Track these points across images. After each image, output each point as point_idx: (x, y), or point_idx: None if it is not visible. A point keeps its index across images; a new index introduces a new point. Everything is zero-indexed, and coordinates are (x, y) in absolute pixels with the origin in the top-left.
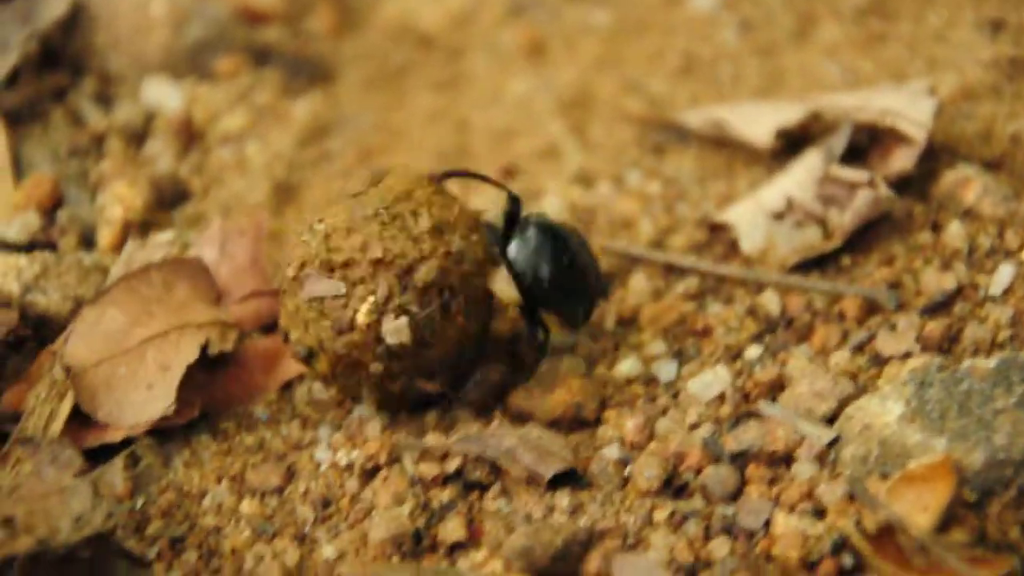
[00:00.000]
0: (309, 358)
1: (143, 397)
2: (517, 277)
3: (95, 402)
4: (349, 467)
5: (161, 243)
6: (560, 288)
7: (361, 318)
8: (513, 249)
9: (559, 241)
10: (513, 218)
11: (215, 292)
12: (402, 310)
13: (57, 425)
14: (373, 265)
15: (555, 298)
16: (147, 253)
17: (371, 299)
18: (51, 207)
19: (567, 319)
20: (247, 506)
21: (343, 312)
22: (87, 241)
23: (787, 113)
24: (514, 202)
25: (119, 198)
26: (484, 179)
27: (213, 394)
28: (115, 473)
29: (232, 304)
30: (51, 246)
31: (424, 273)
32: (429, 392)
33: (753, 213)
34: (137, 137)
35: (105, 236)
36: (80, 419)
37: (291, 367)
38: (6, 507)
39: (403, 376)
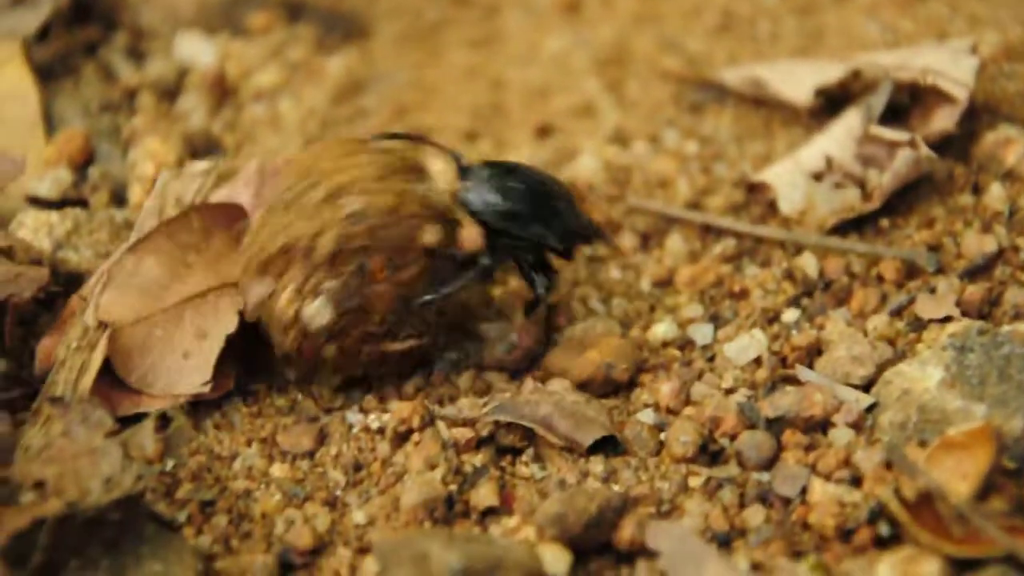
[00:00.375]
0: (287, 364)
1: (178, 366)
2: (478, 217)
3: (129, 365)
4: (381, 431)
5: (196, 173)
6: (524, 212)
7: (288, 311)
8: (464, 194)
9: (508, 171)
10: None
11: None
12: (316, 290)
13: (88, 379)
14: (283, 254)
15: (523, 222)
16: (182, 184)
17: (289, 288)
18: (82, 163)
19: (548, 244)
20: (278, 469)
21: (278, 310)
22: (118, 198)
23: (827, 72)
24: (456, 160)
25: (151, 154)
26: (421, 140)
27: (244, 354)
28: (145, 435)
29: None
30: (82, 202)
31: (323, 246)
32: (408, 350)
33: (792, 173)
34: (169, 93)
35: (137, 193)
36: (111, 377)
37: None
38: (36, 469)
39: (365, 346)
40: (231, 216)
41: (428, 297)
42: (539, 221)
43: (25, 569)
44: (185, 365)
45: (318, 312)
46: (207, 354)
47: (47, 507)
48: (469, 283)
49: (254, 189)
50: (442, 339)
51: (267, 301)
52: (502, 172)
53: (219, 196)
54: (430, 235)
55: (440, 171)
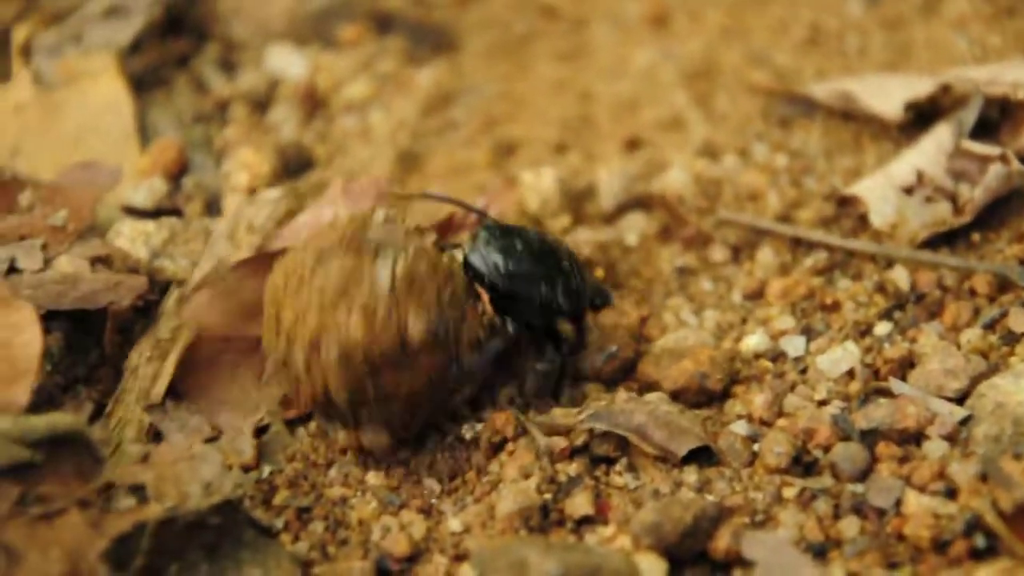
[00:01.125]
0: None
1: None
2: (480, 280)
3: (198, 378)
4: (475, 440)
5: (268, 200)
6: (528, 272)
7: None
8: (469, 255)
9: (509, 232)
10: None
11: None
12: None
13: (161, 385)
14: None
15: (527, 283)
16: (255, 209)
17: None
18: (177, 173)
19: (556, 305)
20: (373, 477)
21: None
22: (212, 208)
23: (916, 86)
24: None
25: (245, 165)
26: (453, 202)
27: None
28: (243, 441)
29: None
30: (176, 212)
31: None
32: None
33: (883, 187)
34: (260, 104)
35: (231, 203)
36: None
37: None
38: (135, 473)
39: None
40: None
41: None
42: (544, 281)
43: (127, 572)
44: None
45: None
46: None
47: (148, 511)
48: (500, 348)
49: (339, 208)
50: (532, 350)
51: None
52: (504, 234)
53: (305, 216)
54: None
55: None
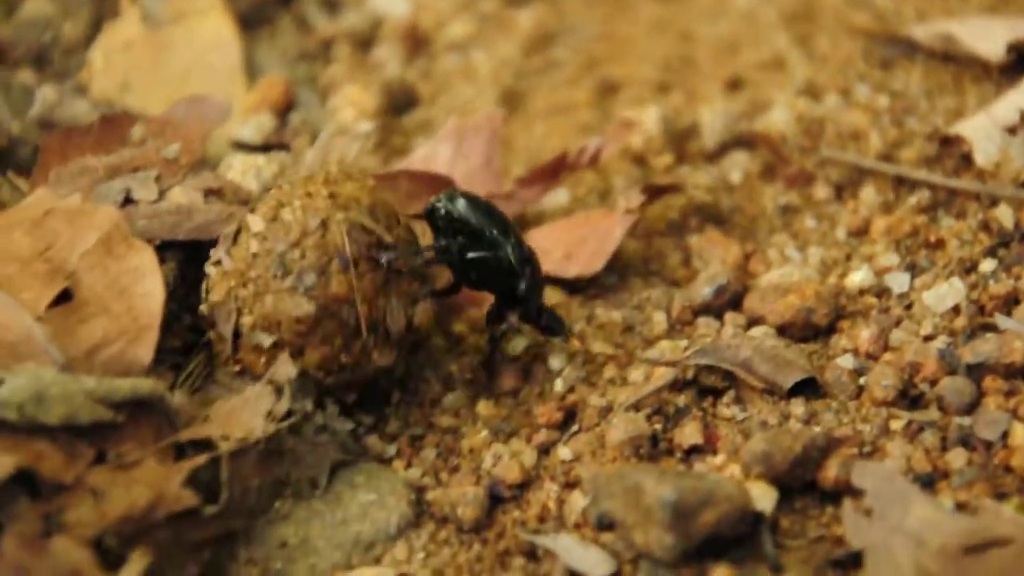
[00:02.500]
0: None
1: None
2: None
3: None
4: (581, 372)
5: (358, 134)
6: (492, 231)
7: None
8: (439, 202)
9: (485, 203)
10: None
11: None
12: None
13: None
14: None
15: (491, 241)
16: (344, 142)
17: None
18: (284, 109)
19: (508, 261)
20: (483, 407)
21: None
22: None
23: (1019, 28)
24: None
25: (351, 101)
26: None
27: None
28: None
29: None
30: (283, 147)
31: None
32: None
33: (986, 127)
34: (364, 43)
35: (323, 136)
36: None
37: None
38: (201, 430)
39: None
40: (438, 186)
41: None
42: (500, 228)
43: (215, 502)
44: None
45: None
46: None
47: (220, 449)
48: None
49: (453, 147)
50: (637, 283)
51: None
52: (479, 200)
53: (418, 153)
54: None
55: None
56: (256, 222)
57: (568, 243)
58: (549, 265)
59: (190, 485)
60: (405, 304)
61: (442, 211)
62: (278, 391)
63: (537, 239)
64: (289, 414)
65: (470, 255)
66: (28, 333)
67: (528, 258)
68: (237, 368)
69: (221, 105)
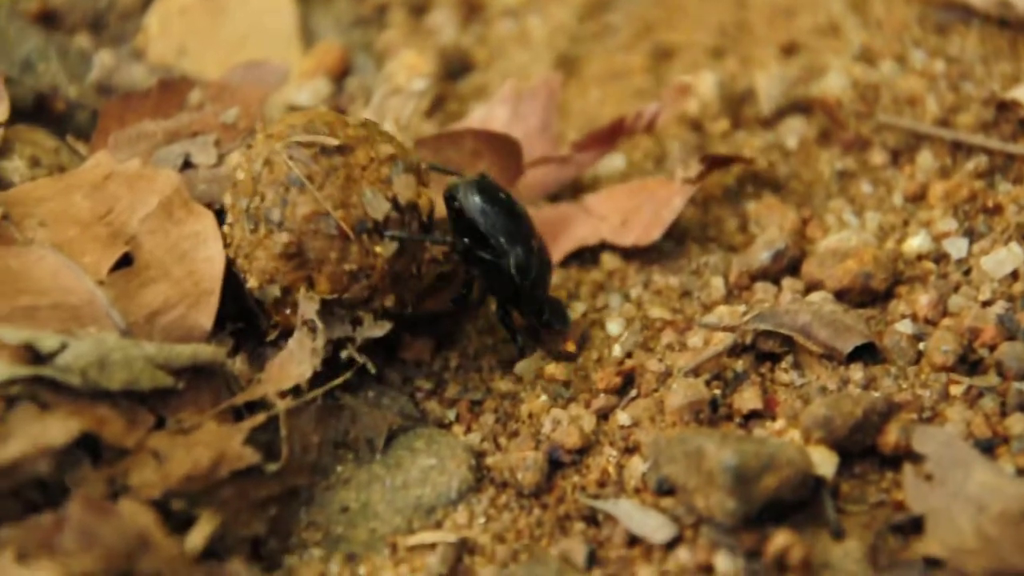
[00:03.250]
0: None
1: None
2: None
3: None
4: (639, 338)
5: (413, 92)
6: (500, 224)
7: None
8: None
9: (500, 190)
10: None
11: (518, 169)
12: None
13: None
14: None
15: (493, 227)
16: (400, 101)
17: None
18: (340, 74)
19: (506, 263)
20: (542, 372)
21: None
22: None
23: None
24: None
25: (408, 66)
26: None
27: None
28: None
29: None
30: (339, 112)
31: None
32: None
33: None
34: (419, 8)
35: (376, 96)
36: None
37: (583, 234)
38: (255, 391)
39: None
40: (503, 145)
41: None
42: (507, 235)
43: (275, 458)
44: None
45: None
46: None
47: (279, 406)
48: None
49: (510, 110)
50: (694, 248)
51: None
52: (498, 186)
53: (476, 115)
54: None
55: None
56: (226, 197)
57: (625, 210)
58: (606, 231)
59: (250, 444)
60: (381, 188)
61: (456, 205)
62: (312, 330)
63: (594, 204)
64: (335, 348)
65: (473, 255)
66: (90, 297)
67: (528, 268)
68: (276, 333)
69: (278, 69)
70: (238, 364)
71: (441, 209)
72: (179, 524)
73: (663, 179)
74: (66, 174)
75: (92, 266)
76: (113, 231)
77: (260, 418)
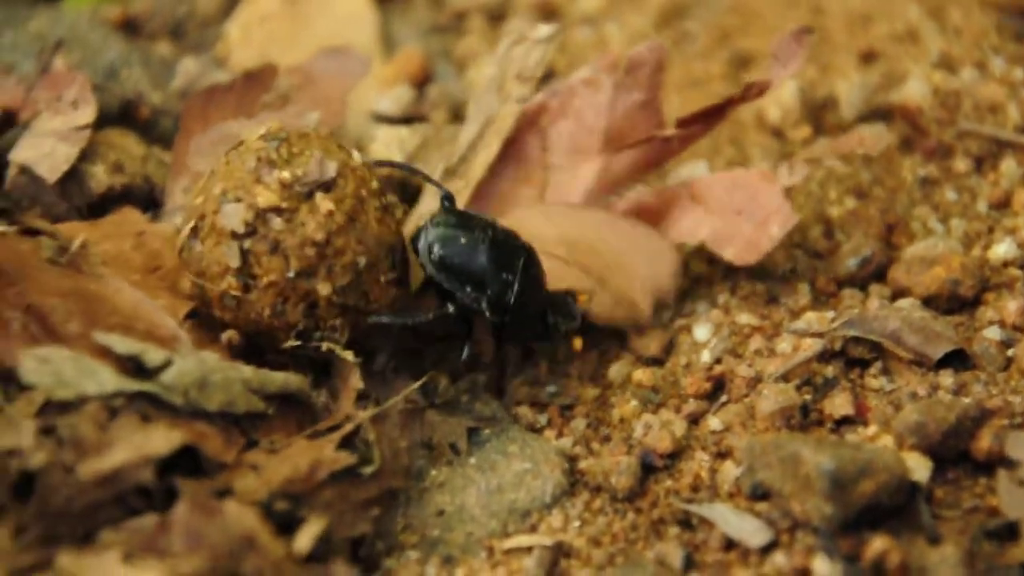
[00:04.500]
0: None
1: None
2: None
3: None
4: (728, 343)
5: (539, 39)
6: (460, 269)
7: None
8: (415, 237)
9: (466, 226)
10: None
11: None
12: None
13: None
14: None
15: (456, 279)
16: (524, 50)
17: None
18: (421, 82)
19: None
20: (632, 378)
21: None
22: (456, 115)
23: None
24: (445, 199)
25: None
26: (418, 173)
27: None
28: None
29: (620, 150)
30: (421, 119)
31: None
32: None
33: None
34: (497, 15)
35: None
36: None
37: (686, 228)
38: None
39: None
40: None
41: (379, 318)
42: (473, 284)
43: (368, 463)
44: None
45: None
46: None
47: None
48: (431, 322)
49: (613, 81)
50: (780, 255)
51: None
52: (459, 223)
53: (578, 75)
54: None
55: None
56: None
57: (725, 209)
58: (706, 231)
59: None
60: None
61: (420, 262)
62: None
63: (699, 189)
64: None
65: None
66: (174, 334)
67: (504, 304)
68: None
69: (361, 58)
70: (322, 397)
71: None
72: (283, 527)
73: (766, 174)
74: (98, 222)
75: (168, 309)
76: (168, 286)
77: (348, 427)
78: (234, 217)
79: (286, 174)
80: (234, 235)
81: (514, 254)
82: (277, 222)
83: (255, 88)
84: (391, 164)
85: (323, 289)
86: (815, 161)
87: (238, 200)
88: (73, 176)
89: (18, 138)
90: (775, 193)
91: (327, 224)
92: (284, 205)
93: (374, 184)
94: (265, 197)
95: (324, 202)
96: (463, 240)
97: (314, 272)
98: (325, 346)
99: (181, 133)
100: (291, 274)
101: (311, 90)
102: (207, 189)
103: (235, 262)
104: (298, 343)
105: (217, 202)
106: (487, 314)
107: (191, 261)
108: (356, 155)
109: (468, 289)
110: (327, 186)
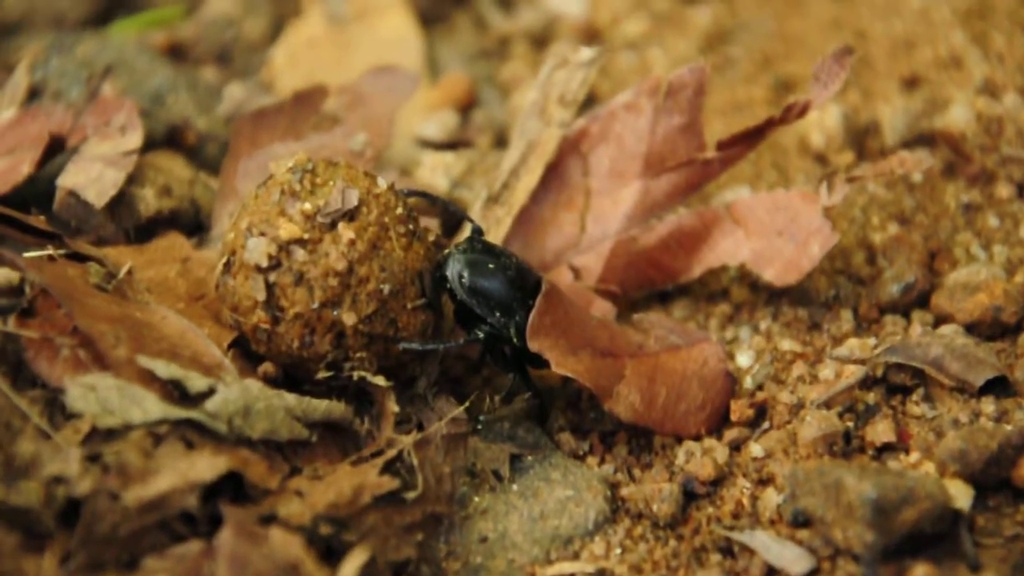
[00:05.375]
0: None
1: None
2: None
3: None
4: (770, 370)
5: (582, 62)
6: (491, 293)
7: None
8: (443, 263)
9: (490, 253)
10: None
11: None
12: None
13: None
14: None
15: (486, 304)
16: (567, 74)
17: None
18: (466, 106)
19: (508, 338)
20: None
21: None
22: (501, 141)
23: None
24: (475, 230)
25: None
26: (439, 200)
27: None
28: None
29: (661, 173)
30: (466, 144)
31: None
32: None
33: None
34: (540, 41)
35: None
36: None
37: (726, 249)
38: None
39: None
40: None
41: (409, 345)
42: (502, 309)
43: (412, 487)
44: None
45: None
46: None
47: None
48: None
49: (656, 102)
50: (823, 281)
51: None
52: (484, 250)
53: (619, 100)
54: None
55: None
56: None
57: (766, 230)
58: (747, 252)
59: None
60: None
61: (447, 286)
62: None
63: (740, 211)
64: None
65: (476, 333)
66: (220, 362)
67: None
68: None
69: (410, 76)
70: (365, 424)
71: None
72: (328, 554)
73: (807, 195)
74: (145, 246)
75: (213, 337)
76: (212, 314)
77: (391, 453)
78: (257, 251)
79: (308, 205)
80: (259, 269)
81: (537, 284)
82: (300, 254)
83: (305, 110)
84: (424, 195)
85: (348, 319)
86: (855, 179)
87: (262, 234)
88: (121, 199)
89: (66, 163)
90: (815, 213)
91: (349, 253)
92: (307, 236)
93: (399, 210)
94: (287, 230)
95: (346, 231)
96: (491, 266)
97: (339, 302)
98: (356, 375)
99: (229, 156)
100: (315, 305)
101: (360, 110)
102: (237, 224)
103: (261, 295)
104: (329, 373)
105: (244, 237)
106: (514, 340)
107: (226, 296)
108: (381, 181)
109: (497, 315)
110: (351, 215)
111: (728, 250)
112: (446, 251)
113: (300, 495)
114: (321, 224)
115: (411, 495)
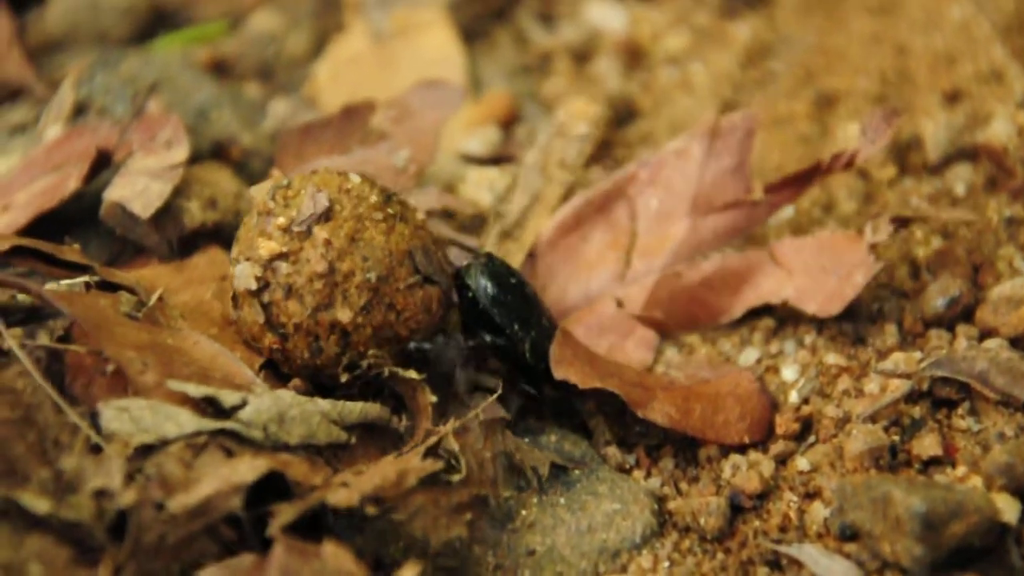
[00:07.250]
0: None
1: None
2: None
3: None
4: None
5: (579, 136)
6: (511, 304)
7: None
8: (464, 270)
9: (508, 271)
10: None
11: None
12: None
13: None
14: None
15: (506, 313)
16: (564, 143)
17: None
18: (509, 122)
19: (522, 351)
20: None
21: None
22: None
23: None
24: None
25: (579, 114)
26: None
27: (677, 309)
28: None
29: (708, 214)
30: (509, 160)
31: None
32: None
33: None
34: (582, 56)
35: (541, 137)
36: None
37: (768, 289)
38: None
39: None
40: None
41: (422, 345)
42: (520, 322)
43: (458, 474)
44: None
45: None
46: None
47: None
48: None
49: (705, 146)
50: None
51: None
52: (504, 265)
53: (670, 147)
54: None
55: None
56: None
57: (810, 269)
58: (790, 290)
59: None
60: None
61: (468, 294)
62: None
63: (782, 253)
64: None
65: (488, 340)
66: (252, 383)
67: (545, 351)
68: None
69: (456, 89)
70: (404, 421)
71: None
72: (379, 568)
73: (851, 236)
74: (184, 263)
75: (245, 360)
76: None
77: (431, 440)
78: (244, 277)
79: (282, 219)
80: (251, 293)
81: (545, 315)
82: (284, 267)
83: (352, 124)
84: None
85: (344, 316)
86: (899, 219)
87: (247, 259)
88: (167, 211)
89: (112, 178)
90: (860, 250)
91: (327, 253)
92: (286, 249)
93: (373, 198)
94: (266, 247)
95: (320, 232)
96: (513, 281)
97: (331, 302)
98: (387, 370)
99: (276, 167)
100: (309, 311)
101: (407, 123)
102: (232, 258)
103: (261, 317)
104: (351, 375)
105: (233, 267)
106: (527, 356)
107: (241, 329)
108: (353, 176)
109: (516, 327)
110: (325, 216)
111: (771, 289)
112: (466, 263)
113: (346, 485)
114: (298, 233)
115: (456, 477)
